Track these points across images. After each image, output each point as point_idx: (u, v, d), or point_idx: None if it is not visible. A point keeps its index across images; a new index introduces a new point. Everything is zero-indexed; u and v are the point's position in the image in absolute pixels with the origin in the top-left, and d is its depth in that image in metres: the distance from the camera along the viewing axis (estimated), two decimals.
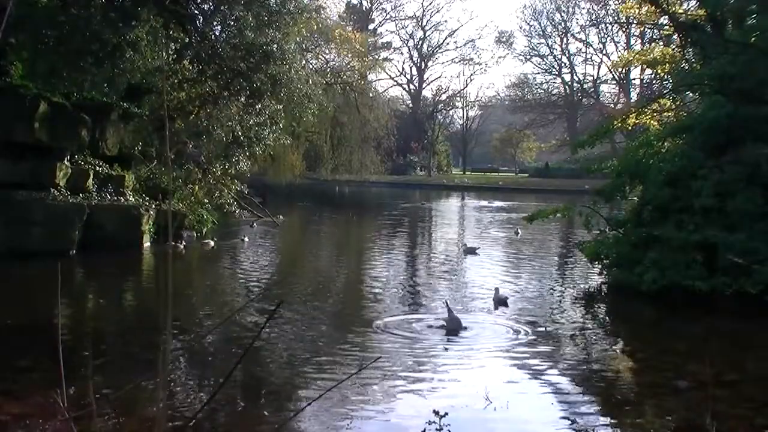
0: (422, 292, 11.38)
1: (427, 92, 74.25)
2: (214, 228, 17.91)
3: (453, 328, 8.11)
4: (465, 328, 8.18)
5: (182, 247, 14.92)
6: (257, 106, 17.48)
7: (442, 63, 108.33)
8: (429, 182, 59.75)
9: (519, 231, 20.12)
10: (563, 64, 69.34)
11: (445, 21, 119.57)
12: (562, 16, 66.46)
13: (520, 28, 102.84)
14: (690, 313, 9.46)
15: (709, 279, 9.45)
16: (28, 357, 6.59)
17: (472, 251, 15.56)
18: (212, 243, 15.97)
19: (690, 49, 15.38)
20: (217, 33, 17.35)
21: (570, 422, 5.55)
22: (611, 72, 61.85)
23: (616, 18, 51.83)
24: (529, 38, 69.99)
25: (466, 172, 75.03)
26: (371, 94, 42.67)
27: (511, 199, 40.04)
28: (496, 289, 10.11)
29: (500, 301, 9.80)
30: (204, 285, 12.17)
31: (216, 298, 10.94)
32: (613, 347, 8.02)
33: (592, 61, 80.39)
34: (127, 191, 15.16)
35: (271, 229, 20.34)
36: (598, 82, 67.94)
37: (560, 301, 10.65)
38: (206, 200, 18.23)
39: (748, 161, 10.06)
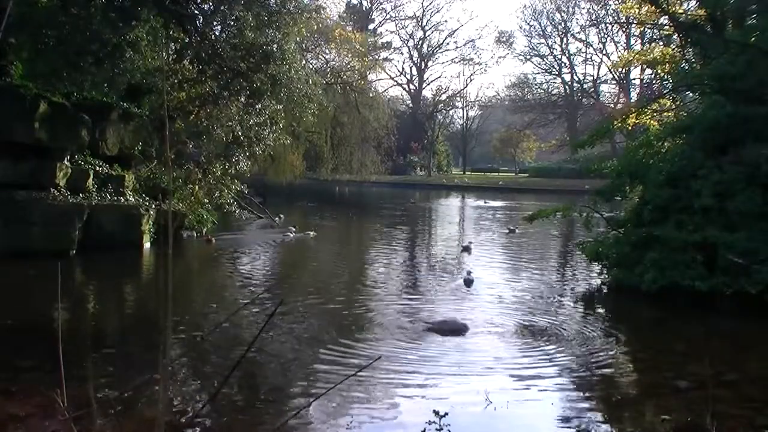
0: (422, 291, 11.37)
1: (427, 92, 74.42)
2: (213, 226, 17.93)
3: (451, 328, 8.13)
4: (464, 327, 8.18)
5: (214, 241, 16.32)
6: (257, 106, 17.46)
7: (442, 63, 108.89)
8: (429, 182, 59.78)
9: (514, 229, 20.29)
10: (563, 64, 69.50)
11: (445, 21, 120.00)
12: (562, 16, 66.62)
13: (520, 28, 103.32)
14: (690, 313, 9.47)
15: (709, 279, 9.44)
16: (28, 357, 6.59)
17: (468, 249, 15.75)
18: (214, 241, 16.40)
19: (690, 49, 15.39)
20: (217, 33, 17.31)
21: (570, 422, 5.54)
22: (611, 72, 62.03)
23: (616, 18, 52.01)
24: (529, 38, 70.25)
25: (466, 172, 75.05)
26: (371, 94, 42.66)
27: (511, 199, 40.06)
28: (468, 272, 11.81)
29: (467, 282, 11.42)
30: (206, 284, 12.18)
31: (217, 297, 10.94)
32: (613, 347, 8.01)
33: (592, 61, 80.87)
34: (127, 191, 15.16)
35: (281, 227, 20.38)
36: (598, 82, 68.07)
37: (560, 301, 10.65)
38: (206, 200, 18.23)
39: (748, 161, 10.05)
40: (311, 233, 18.75)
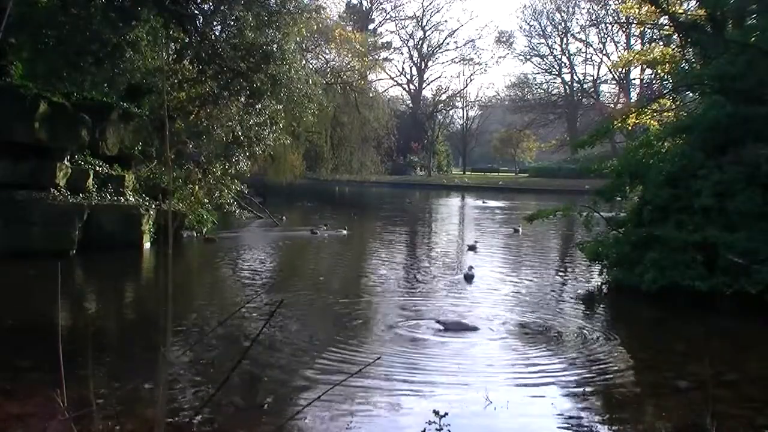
0: (425, 290, 11.36)
1: (427, 92, 74.40)
2: (213, 226, 17.93)
3: (456, 329, 8.13)
4: (472, 329, 8.18)
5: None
6: (257, 106, 17.47)
7: (442, 63, 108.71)
8: (429, 182, 59.80)
9: (518, 229, 20.31)
10: (563, 64, 69.49)
11: (445, 21, 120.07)
12: (562, 16, 66.62)
13: (520, 28, 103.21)
14: (690, 313, 9.46)
15: (709, 279, 9.43)
16: (28, 357, 6.59)
17: (473, 248, 15.76)
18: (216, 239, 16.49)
19: (690, 49, 15.39)
20: (217, 33, 17.33)
21: (570, 422, 5.54)
22: (611, 72, 62.04)
23: (616, 18, 52.03)
24: (529, 38, 70.23)
25: (466, 172, 75.03)
26: (371, 94, 42.70)
27: (511, 199, 40.06)
28: (470, 267, 12.09)
29: (468, 277, 11.65)
30: (206, 284, 12.18)
31: (217, 297, 10.93)
32: (613, 347, 8.01)
33: (592, 61, 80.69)
34: (127, 191, 15.16)
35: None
36: (598, 82, 68.07)
37: (560, 301, 10.65)
38: (206, 200, 18.24)
39: (748, 161, 10.04)
40: (344, 231, 18.95)
